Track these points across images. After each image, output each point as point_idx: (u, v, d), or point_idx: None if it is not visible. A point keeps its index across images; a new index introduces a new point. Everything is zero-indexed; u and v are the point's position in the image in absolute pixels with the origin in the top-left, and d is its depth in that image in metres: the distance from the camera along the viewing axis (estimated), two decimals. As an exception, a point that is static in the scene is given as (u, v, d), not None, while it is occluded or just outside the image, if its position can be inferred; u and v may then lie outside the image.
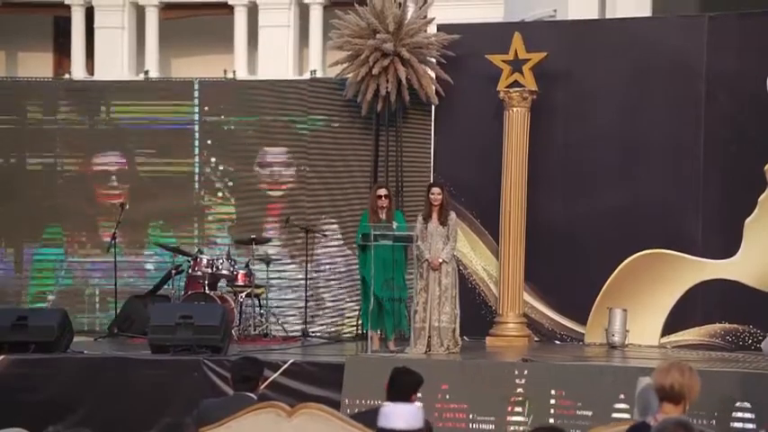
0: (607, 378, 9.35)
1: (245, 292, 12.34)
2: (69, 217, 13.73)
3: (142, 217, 13.60)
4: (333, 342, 12.46)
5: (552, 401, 9.32)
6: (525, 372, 9.51)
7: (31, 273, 13.81)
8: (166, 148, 13.71)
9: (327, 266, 13.31)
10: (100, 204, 13.71)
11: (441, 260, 10.70)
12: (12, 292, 13.72)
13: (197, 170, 13.67)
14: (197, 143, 13.67)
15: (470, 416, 9.43)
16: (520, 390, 9.39)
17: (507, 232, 12.06)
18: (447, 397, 9.53)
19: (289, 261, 13.32)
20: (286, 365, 10.19)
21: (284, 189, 13.54)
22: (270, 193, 13.58)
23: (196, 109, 13.72)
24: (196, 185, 13.68)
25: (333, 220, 13.31)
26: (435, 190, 10.96)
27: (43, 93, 14.08)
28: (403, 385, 6.36)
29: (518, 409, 9.33)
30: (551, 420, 9.12)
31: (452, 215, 10.98)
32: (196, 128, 13.69)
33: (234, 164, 13.63)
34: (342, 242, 13.23)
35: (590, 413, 9.12)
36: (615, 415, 8.95)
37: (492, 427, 9.37)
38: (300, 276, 13.04)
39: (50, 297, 13.66)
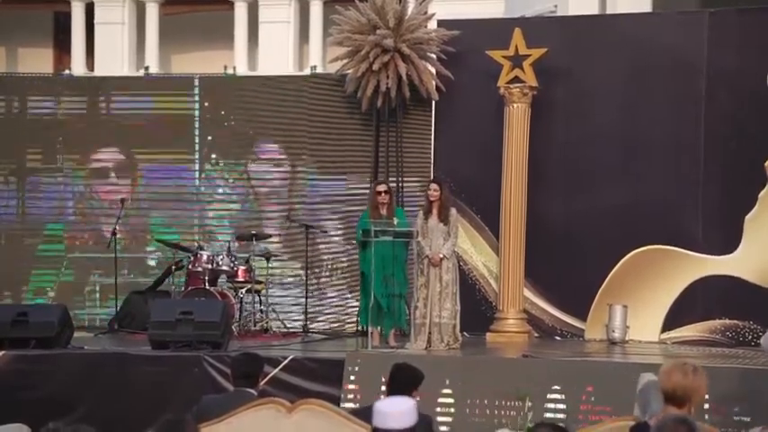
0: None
1: (245, 288, 12.33)
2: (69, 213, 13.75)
3: (142, 213, 13.60)
4: (333, 338, 12.45)
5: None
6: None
7: (32, 268, 13.82)
8: (167, 143, 13.70)
9: (328, 262, 13.30)
10: (100, 200, 13.71)
11: (441, 256, 10.70)
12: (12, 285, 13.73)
13: (197, 166, 13.67)
14: (197, 139, 13.67)
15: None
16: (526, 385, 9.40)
17: (507, 228, 12.06)
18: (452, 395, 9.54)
19: (289, 257, 13.32)
20: (286, 361, 10.19)
21: (284, 185, 13.54)
22: (270, 188, 13.57)
23: (196, 105, 13.71)
24: (197, 181, 13.68)
25: (333, 216, 13.31)
26: (433, 186, 10.96)
27: (43, 89, 14.07)
28: (403, 381, 6.36)
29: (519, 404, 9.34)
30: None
31: (453, 211, 10.98)
32: (196, 124, 13.69)
33: (234, 160, 13.63)
34: (342, 238, 13.23)
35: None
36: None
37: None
38: (301, 272, 13.03)
39: (50, 294, 13.67)
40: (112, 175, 13.76)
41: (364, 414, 6.06)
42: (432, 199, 10.86)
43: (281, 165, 13.57)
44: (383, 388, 8.28)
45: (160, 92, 13.94)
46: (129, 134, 13.72)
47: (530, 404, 9.29)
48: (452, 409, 9.50)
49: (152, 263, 13.70)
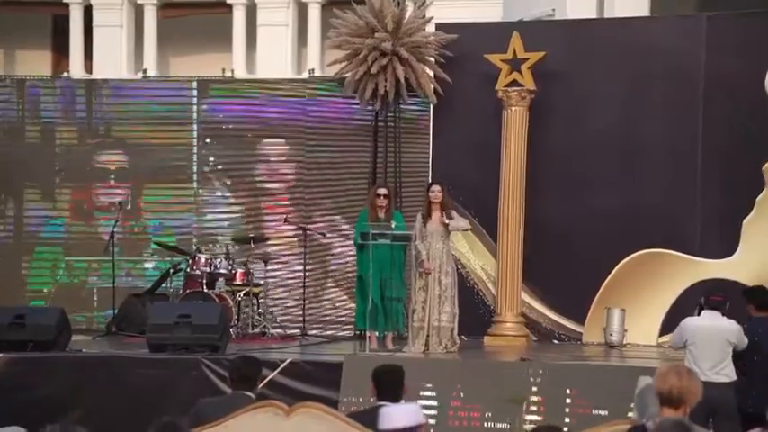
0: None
1: (243, 291, 12.33)
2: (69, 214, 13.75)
3: (140, 215, 13.60)
4: (331, 341, 12.46)
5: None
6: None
7: (30, 270, 13.82)
8: (165, 146, 13.70)
9: (326, 265, 13.31)
10: (98, 203, 13.71)
11: (434, 266, 10.69)
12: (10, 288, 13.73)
13: (195, 168, 13.68)
14: (195, 141, 13.68)
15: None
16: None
17: (505, 232, 12.06)
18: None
19: (287, 260, 13.32)
20: (284, 364, 10.19)
21: (282, 188, 13.54)
22: (268, 191, 13.57)
23: (194, 108, 13.72)
24: (195, 184, 13.68)
25: (331, 219, 13.31)
26: (435, 188, 10.95)
27: (41, 91, 14.08)
28: (389, 383, 6.36)
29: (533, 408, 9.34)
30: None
31: (453, 213, 10.97)
32: (194, 126, 13.70)
33: (232, 162, 13.63)
34: (340, 241, 13.23)
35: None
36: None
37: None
38: (299, 275, 13.03)
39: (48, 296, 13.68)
40: (111, 177, 13.75)
41: (362, 417, 6.07)
42: (434, 201, 10.84)
43: (278, 167, 13.57)
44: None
45: (158, 94, 13.94)
46: (126, 137, 13.72)
47: (527, 407, 9.29)
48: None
49: (150, 266, 13.69)
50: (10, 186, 13.88)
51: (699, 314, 8.78)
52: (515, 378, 9.51)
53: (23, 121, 13.97)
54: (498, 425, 9.31)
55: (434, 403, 9.48)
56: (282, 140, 13.51)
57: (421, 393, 9.44)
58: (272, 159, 13.59)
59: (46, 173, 13.87)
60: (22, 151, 13.88)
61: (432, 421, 9.34)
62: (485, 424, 9.35)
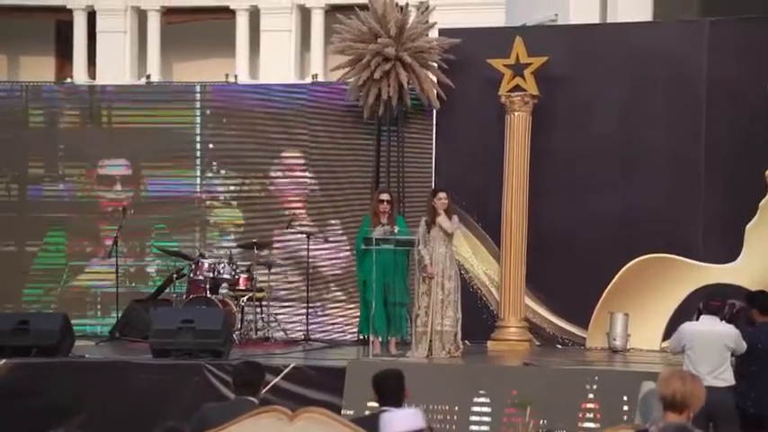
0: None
1: (246, 297, 12.34)
2: (72, 221, 13.75)
3: (144, 221, 13.61)
4: (334, 346, 12.45)
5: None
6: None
7: (33, 276, 13.83)
8: (168, 152, 13.71)
9: (329, 271, 13.31)
10: (102, 209, 13.73)
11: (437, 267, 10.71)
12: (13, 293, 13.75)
13: (198, 174, 13.68)
14: (198, 147, 13.69)
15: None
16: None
17: (509, 236, 12.06)
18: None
19: (290, 265, 13.32)
20: (287, 369, 10.20)
21: (285, 193, 13.54)
22: (270, 196, 13.58)
23: (198, 113, 13.73)
24: (198, 189, 13.69)
25: (334, 225, 13.31)
26: (442, 195, 10.92)
27: (45, 97, 14.10)
28: (389, 388, 6.37)
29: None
30: None
31: (455, 218, 10.96)
32: (198, 131, 13.71)
33: (235, 168, 13.64)
34: (343, 246, 13.23)
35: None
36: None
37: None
38: (302, 280, 13.04)
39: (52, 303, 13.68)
40: (116, 184, 13.76)
41: (365, 422, 6.06)
42: (441, 207, 10.82)
43: (282, 173, 13.57)
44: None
45: (161, 100, 13.96)
46: (130, 143, 13.74)
47: (531, 412, 9.29)
48: (455, 417, 9.49)
49: (153, 271, 13.70)
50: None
51: (697, 319, 8.79)
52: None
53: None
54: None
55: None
56: (285, 146, 13.50)
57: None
58: (276, 165, 13.58)
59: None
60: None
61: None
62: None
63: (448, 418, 9.50)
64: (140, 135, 13.65)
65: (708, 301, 8.89)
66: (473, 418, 9.48)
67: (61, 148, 13.89)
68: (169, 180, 13.69)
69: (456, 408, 9.49)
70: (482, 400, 9.46)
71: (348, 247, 13.08)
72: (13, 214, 13.88)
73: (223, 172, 13.66)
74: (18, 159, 13.91)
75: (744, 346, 8.61)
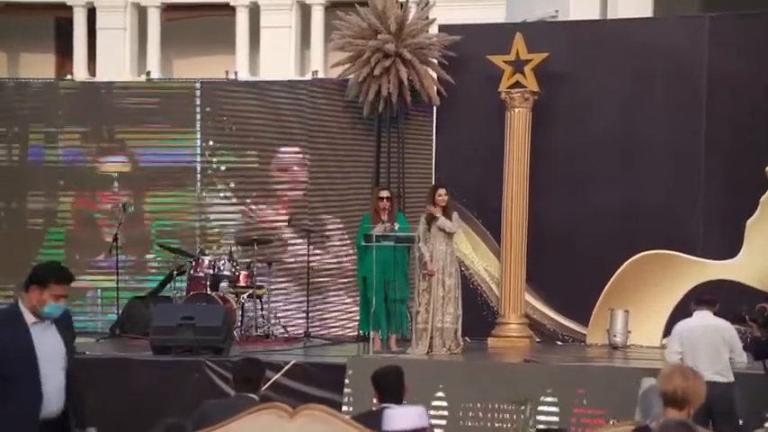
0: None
1: (246, 293, 12.33)
2: (71, 218, 13.76)
3: (144, 218, 13.61)
4: (334, 343, 12.45)
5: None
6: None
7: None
8: (168, 149, 13.70)
9: (329, 267, 13.30)
10: (102, 205, 13.73)
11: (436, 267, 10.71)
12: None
13: (199, 171, 13.67)
14: (199, 143, 13.68)
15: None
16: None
17: (509, 233, 12.06)
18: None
19: (290, 262, 13.31)
20: (288, 366, 10.20)
21: (286, 190, 13.54)
22: (272, 193, 13.57)
23: (198, 110, 13.72)
24: (198, 186, 13.68)
25: (335, 221, 13.31)
26: (442, 191, 10.92)
27: (45, 94, 14.10)
28: (389, 385, 6.37)
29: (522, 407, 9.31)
30: None
31: (455, 215, 10.97)
32: (198, 128, 13.70)
33: (236, 164, 13.63)
34: (344, 243, 13.22)
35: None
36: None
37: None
38: (302, 277, 13.03)
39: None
40: (115, 180, 13.76)
41: (366, 419, 6.06)
42: (441, 204, 10.82)
43: (282, 169, 13.57)
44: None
45: (161, 97, 13.95)
46: (130, 139, 13.73)
47: (530, 408, 9.29)
48: (447, 413, 9.50)
49: (153, 268, 13.69)
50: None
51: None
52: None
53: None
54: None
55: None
56: (286, 143, 13.49)
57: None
58: (276, 161, 13.57)
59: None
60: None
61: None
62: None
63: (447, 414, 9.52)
64: (139, 130, 13.66)
65: (700, 296, 8.85)
66: (470, 413, 9.50)
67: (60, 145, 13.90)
68: (168, 178, 13.70)
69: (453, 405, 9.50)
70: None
71: (347, 243, 13.07)
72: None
73: (223, 168, 13.64)
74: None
75: (740, 346, 8.55)
